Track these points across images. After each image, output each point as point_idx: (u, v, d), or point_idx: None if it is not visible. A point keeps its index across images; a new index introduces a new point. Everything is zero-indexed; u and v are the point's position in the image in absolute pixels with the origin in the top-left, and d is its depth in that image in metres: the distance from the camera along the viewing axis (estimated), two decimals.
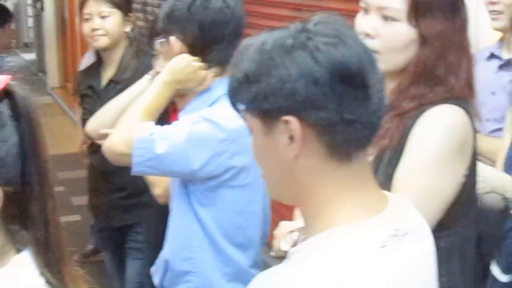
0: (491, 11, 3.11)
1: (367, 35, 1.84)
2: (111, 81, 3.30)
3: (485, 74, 3.08)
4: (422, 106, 1.83)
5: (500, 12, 3.01)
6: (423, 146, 1.82)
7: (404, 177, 1.80)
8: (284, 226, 2.02)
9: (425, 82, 1.84)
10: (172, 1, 2.38)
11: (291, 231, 1.96)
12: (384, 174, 1.84)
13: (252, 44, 1.16)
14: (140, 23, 3.47)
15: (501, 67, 3.10)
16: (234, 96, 1.17)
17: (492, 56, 3.17)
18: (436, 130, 1.81)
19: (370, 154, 1.82)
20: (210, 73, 2.37)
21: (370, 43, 1.80)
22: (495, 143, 2.73)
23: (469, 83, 1.88)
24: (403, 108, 1.84)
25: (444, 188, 1.82)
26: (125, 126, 2.35)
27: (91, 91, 3.43)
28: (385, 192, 1.30)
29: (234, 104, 1.19)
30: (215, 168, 2.30)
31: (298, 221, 2.00)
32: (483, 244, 2.23)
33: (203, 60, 2.37)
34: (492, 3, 3.07)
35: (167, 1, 2.44)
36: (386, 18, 1.84)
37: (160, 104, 2.40)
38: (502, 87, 2.96)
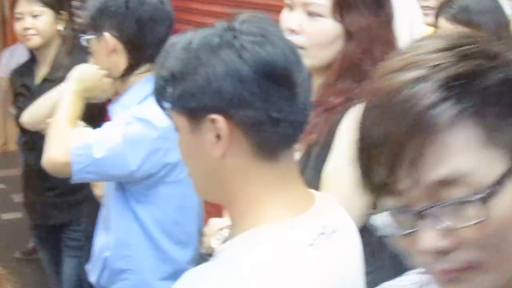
0: (423, 7, 3.17)
1: (293, 31, 1.85)
2: (45, 80, 3.29)
3: None
4: (349, 101, 1.83)
5: (432, 8, 3.05)
6: (351, 141, 1.78)
7: (333, 173, 1.82)
8: (214, 223, 2.04)
9: (352, 77, 1.84)
10: None
11: (221, 229, 1.97)
12: (313, 169, 1.85)
13: (178, 42, 1.16)
14: (79, 20, 3.45)
15: None
16: (160, 94, 1.17)
17: None
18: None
19: (298, 150, 1.83)
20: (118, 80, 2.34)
21: (295, 40, 1.80)
22: None
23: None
24: (330, 104, 1.85)
25: None
26: (58, 136, 2.32)
27: (25, 90, 3.42)
28: (312, 190, 1.31)
29: (159, 102, 1.19)
30: (152, 167, 2.29)
31: (228, 218, 2.05)
32: None
33: (138, 57, 2.34)
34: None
35: None
36: (311, 14, 1.85)
37: (77, 111, 2.39)
38: None
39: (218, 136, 1.10)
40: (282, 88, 1.09)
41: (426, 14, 3.14)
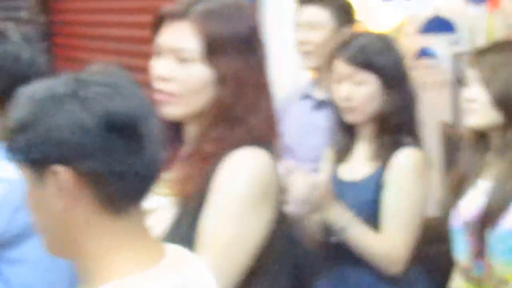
0: (302, 52, 3.17)
1: (163, 79, 1.81)
2: None
3: (300, 115, 3.17)
4: (224, 149, 1.79)
5: (311, 52, 3.06)
6: (227, 192, 1.77)
7: (208, 226, 1.76)
8: None
9: (225, 124, 1.80)
10: None
11: None
12: (188, 224, 1.79)
13: (25, 92, 1.14)
14: None
15: (315, 107, 3.16)
16: (7, 145, 1.15)
17: (307, 96, 3.23)
18: (238, 175, 1.77)
19: (174, 203, 1.80)
20: None
21: (166, 87, 1.78)
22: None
23: (270, 123, 1.88)
24: (205, 153, 1.80)
25: (250, 235, 1.79)
26: None
27: None
28: (164, 243, 1.28)
29: (10, 155, 1.17)
30: (18, 224, 2.18)
31: None
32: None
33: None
34: (303, 43, 3.13)
35: None
36: (180, 60, 1.80)
37: None
38: (316, 127, 3.02)
39: (61, 189, 1.08)
40: (128, 141, 1.09)
41: (305, 58, 3.08)
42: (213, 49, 1.79)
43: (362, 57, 2.54)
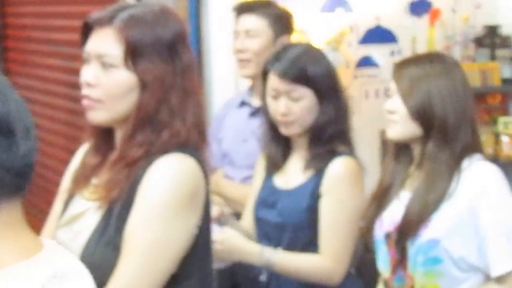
0: (239, 60, 3.21)
1: (89, 84, 1.83)
2: None
3: (237, 121, 3.20)
4: (150, 154, 1.81)
5: (248, 60, 3.09)
6: (152, 197, 1.80)
7: (134, 229, 1.78)
8: None
9: (150, 128, 1.83)
10: None
11: None
12: (115, 227, 1.80)
13: None
14: None
15: (252, 114, 3.19)
16: None
17: (243, 103, 3.26)
18: (164, 181, 1.80)
19: (100, 207, 1.80)
20: None
21: (91, 93, 1.81)
22: (247, 191, 2.85)
23: (198, 128, 1.89)
24: (131, 157, 1.82)
25: (174, 239, 1.81)
26: None
27: None
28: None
29: None
30: None
31: None
32: None
33: None
34: (240, 51, 3.16)
35: None
36: (105, 65, 1.83)
37: None
38: (253, 134, 3.06)
39: None
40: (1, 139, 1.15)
41: (242, 67, 3.13)
42: (135, 54, 1.82)
43: (295, 71, 2.56)
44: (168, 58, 1.86)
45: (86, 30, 1.90)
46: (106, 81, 1.84)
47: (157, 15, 1.88)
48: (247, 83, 3.39)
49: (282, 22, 3.15)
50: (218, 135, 3.30)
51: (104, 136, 1.96)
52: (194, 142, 1.87)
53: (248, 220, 2.80)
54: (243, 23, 3.16)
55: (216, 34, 3.72)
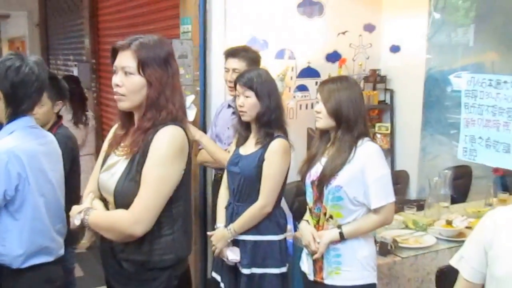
0: (229, 86, 3.67)
1: (117, 85, 2.11)
2: None
3: (225, 116, 3.70)
4: (155, 125, 2.09)
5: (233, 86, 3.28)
6: (157, 152, 2.06)
7: (148, 170, 2.04)
8: (74, 208, 2.23)
9: (155, 109, 2.10)
10: None
11: (80, 212, 2.18)
12: (136, 170, 2.07)
13: None
14: None
15: (233, 113, 3.61)
16: None
17: (229, 106, 3.71)
18: (165, 141, 2.07)
19: (127, 158, 2.13)
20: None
21: (119, 90, 2.09)
22: (227, 155, 3.28)
23: (182, 109, 2.17)
24: (144, 127, 2.10)
25: (171, 176, 2.08)
26: None
27: None
28: None
29: None
30: (15, 186, 2.39)
31: (85, 203, 2.19)
32: None
33: (14, 107, 2.46)
34: (230, 82, 3.56)
35: None
36: (126, 73, 2.10)
37: None
38: (233, 125, 3.49)
39: None
40: None
41: (230, 88, 3.57)
42: (143, 65, 2.07)
43: (246, 80, 3.03)
44: (163, 67, 2.12)
45: (114, 53, 2.15)
46: (128, 83, 2.09)
47: (156, 42, 2.13)
48: (230, 96, 3.69)
49: (254, 62, 3.59)
50: (215, 122, 3.80)
51: (127, 117, 2.21)
52: (180, 118, 2.12)
53: (225, 172, 3.14)
54: (231, 64, 3.58)
55: (215, 70, 4.28)
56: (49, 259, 2.49)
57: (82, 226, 2.11)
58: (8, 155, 2.29)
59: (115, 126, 2.26)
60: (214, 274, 3.26)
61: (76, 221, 2.11)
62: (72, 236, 3.01)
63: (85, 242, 5.04)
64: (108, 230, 2.07)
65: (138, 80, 2.11)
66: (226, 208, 3.12)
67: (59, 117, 3.37)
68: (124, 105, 2.13)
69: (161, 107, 2.11)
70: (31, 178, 2.36)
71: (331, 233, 2.64)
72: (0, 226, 2.38)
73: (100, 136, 6.34)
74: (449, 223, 3.48)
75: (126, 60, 2.09)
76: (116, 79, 2.10)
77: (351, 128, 2.62)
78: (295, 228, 3.44)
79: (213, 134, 3.75)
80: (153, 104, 2.10)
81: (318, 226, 2.72)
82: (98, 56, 7.04)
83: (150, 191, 2.03)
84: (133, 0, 5.71)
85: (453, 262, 2.13)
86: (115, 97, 2.12)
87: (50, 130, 3.12)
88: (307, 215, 2.80)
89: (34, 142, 2.42)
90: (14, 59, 2.42)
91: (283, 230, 3.08)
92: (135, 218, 2.00)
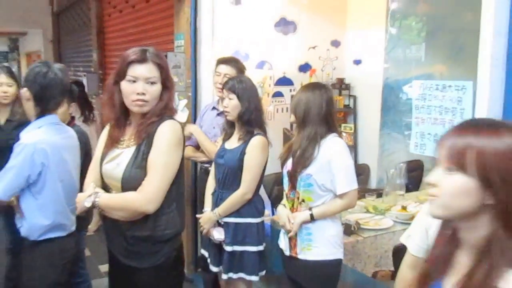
0: (216, 87, 3.65)
1: (141, 94, 2.08)
2: (7, 120, 3.45)
3: (210, 117, 3.67)
4: (161, 119, 2.10)
5: (222, 88, 3.34)
6: (162, 141, 2.05)
7: (154, 157, 2.03)
8: (80, 194, 2.20)
9: (162, 108, 2.15)
10: (29, 70, 2.54)
11: (90, 195, 2.16)
12: (142, 158, 2.05)
13: None
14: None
15: (217, 114, 3.62)
16: None
17: (214, 108, 3.70)
18: (167, 132, 2.08)
19: (134, 145, 2.06)
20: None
21: (143, 97, 2.08)
22: (215, 149, 3.25)
23: (170, 107, 2.18)
24: (151, 120, 2.10)
25: (173, 163, 2.08)
26: None
27: None
28: None
29: None
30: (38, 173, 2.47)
31: (88, 190, 2.16)
32: None
33: (41, 106, 2.53)
34: (220, 84, 3.52)
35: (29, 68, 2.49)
36: (150, 82, 2.08)
37: None
38: (218, 125, 3.48)
39: None
40: None
41: (217, 90, 3.59)
42: (162, 75, 2.08)
43: (231, 87, 3.03)
44: (167, 71, 2.17)
45: (127, 65, 2.10)
46: (151, 90, 2.08)
47: (160, 52, 2.17)
48: (216, 98, 3.71)
49: (241, 71, 3.59)
50: (200, 123, 3.72)
51: (122, 117, 2.20)
52: (174, 113, 2.18)
53: (213, 164, 3.10)
54: (223, 69, 3.55)
55: (204, 79, 4.25)
56: (63, 234, 2.55)
57: (93, 207, 2.11)
58: (35, 146, 2.38)
59: (107, 127, 2.22)
60: (202, 251, 3.26)
61: (86, 203, 2.09)
62: (84, 222, 3.06)
63: (92, 226, 4.99)
64: (121, 210, 2.06)
65: (159, 87, 2.11)
66: (212, 194, 3.12)
67: (72, 117, 3.41)
68: (145, 109, 2.10)
69: (168, 105, 2.19)
70: (52, 167, 2.44)
71: (303, 215, 2.63)
72: (24, 205, 2.47)
73: None
74: (404, 208, 3.49)
75: (149, 71, 2.09)
76: (139, 88, 2.07)
77: (307, 124, 2.62)
78: (273, 213, 3.42)
79: None
80: (163, 104, 2.16)
81: (293, 208, 2.71)
82: (105, 68, 7.07)
83: (158, 174, 2.02)
84: (135, 20, 5.72)
85: (402, 239, 2.14)
86: (136, 103, 2.08)
87: None
88: (284, 200, 2.79)
89: (57, 137, 2.49)
90: (42, 66, 2.52)
91: (261, 214, 3.06)
92: (148, 198, 2.00)
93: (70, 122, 3.31)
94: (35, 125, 2.46)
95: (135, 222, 2.05)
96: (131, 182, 2.03)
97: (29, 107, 2.53)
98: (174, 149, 2.04)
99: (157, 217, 2.06)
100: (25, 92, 2.50)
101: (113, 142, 2.15)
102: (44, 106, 2.49)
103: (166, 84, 2.09)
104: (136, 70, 2.05)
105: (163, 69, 2.08)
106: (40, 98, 2.48)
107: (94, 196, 2.09)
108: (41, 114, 2.49)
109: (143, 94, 2.05)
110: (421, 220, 2.09)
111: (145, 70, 2.06)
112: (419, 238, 2.07)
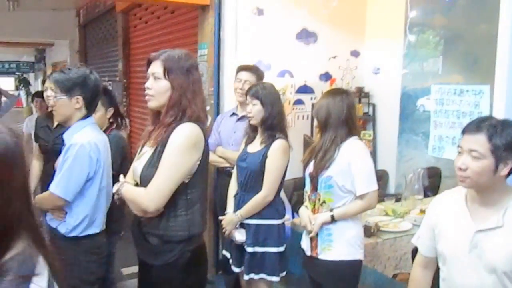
0: (237, 93, 3.72)
1: (148, 88, 2.15)
2: (58, 124, 3.45)
3: (230, 123, 3.73)
4: (176, 122, 2.12)
5: (243, 94, 3.47)
6: (173, 143, 2.09)
7: (164, 158, 2.11)
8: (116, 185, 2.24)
9: (177, 108, 2.13)
10: (73, 74, 2.52)
11: (118, 183, 2.20)
12: (157, 157, 2.12)
13: None
14: None
15: (237, 120, 3.70)
16: None
17: (233, 113, 3.76)
18: (181, 134, 2.10)
19: (152, 146, 2.13)
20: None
21: (150, 92, 2.14)
22: (236, 155, 3.31)
23: (203, 111, 2.19)
24: (167, 123, 2.12)
25: (182, 164, 2.10)
26: None
27: (47, 129, 3.65)
28: None
29: None
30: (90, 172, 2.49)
31: (120, 177, 2.21)
32: None
33: (88, 109, 2.60)
34: (241, 89, 3.63)
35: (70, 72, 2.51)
36: (155, 78, 2.15)
37: None
38: (238, 130, 3.54)
39: None
40: None
41: (239, 95, 3.67)
42: (168, 71, 2.12)
43: (253, 92, 3.10)
44: (185, 74, 2.16)
45: (148, 63, 2.20)
46: (156, 86, 2.13)
47: (182, 54, 2.17)
48: (236, 103, 3.78)
49: (261, 78, 3.67)
50: (218, 130, 3.80)
51: (157, 116, 2.24)
52: (202, 118, 2.16)
53: (235, 167, 3.13)
54: (243, 75, 3.65)
55: (226, 87, 4.34)
56: (97, 230, 2.58)
57: (117, 194, 2.23)
58: (90, 144, 2.41)
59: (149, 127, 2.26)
60: (224, 252, 3.31)
61: (114, 189, 2.22)
62: (117, 225, 3.12)
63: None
64: (130, 202, 2.15)
65: (164, 84, 2.15)
66: (234, 197, 3.17)
67: (110, 122, 3.41)
68: (152, 104, 2.17)
69: (183, 107, 2.12)
70: (103, 163, 2.49)
71: (323, 216, 2.66)
72: (73, 203, 2.46)
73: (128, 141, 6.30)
74: (422, 211, 3.50)
75: (155, 67, 2.15)
76: (147, 83, 2.16)
77: (328, 128, 2.68)
78: (293, 217, 3.48)
79: (216, 140, 3.81)
80: (174, 104, 2.13)
81: (314, 209, 2.75)
82: (129, 77, 7.19)
83: (162, 175, 2.06)
84: (159, 30, 5.83)
85: (413, 241, 2.21)
86: (146, 98, 2.18)
87: (104, 132, 3.18)
88: (306, 202, 2.83)
89: (101, 136, 2.58)
90: (85, 69, 2.56)
91: (281, 216, 3.10)
92: (149, 197, 2.05)
93: (108, 128, 3.34)
94: (79, 126, 2.50)
95: (152, 220, 2.12)
96: (146, 181, 2.10)
97: (71, 109, 2.53)
98: (186, 151, 2.05)
99: (170, 217, 2.10)
100: (76, 99, 2.53)
101: (147, 138, 2.25)
102: (91, 108, 2.54)
103: (173, 84, 2.12)
104: (150, 67, 2.16)
105: (168, 67, 2.11)
106: (88, 101, 2.52)
107: (121, 185, 2.18)
108: (85, 116, 2.53)
109: (148, 88, 2.14)
110: (427, 219, 2.15)
111: (153, 67, 2.16)
112: (428, 238, 2.13)
